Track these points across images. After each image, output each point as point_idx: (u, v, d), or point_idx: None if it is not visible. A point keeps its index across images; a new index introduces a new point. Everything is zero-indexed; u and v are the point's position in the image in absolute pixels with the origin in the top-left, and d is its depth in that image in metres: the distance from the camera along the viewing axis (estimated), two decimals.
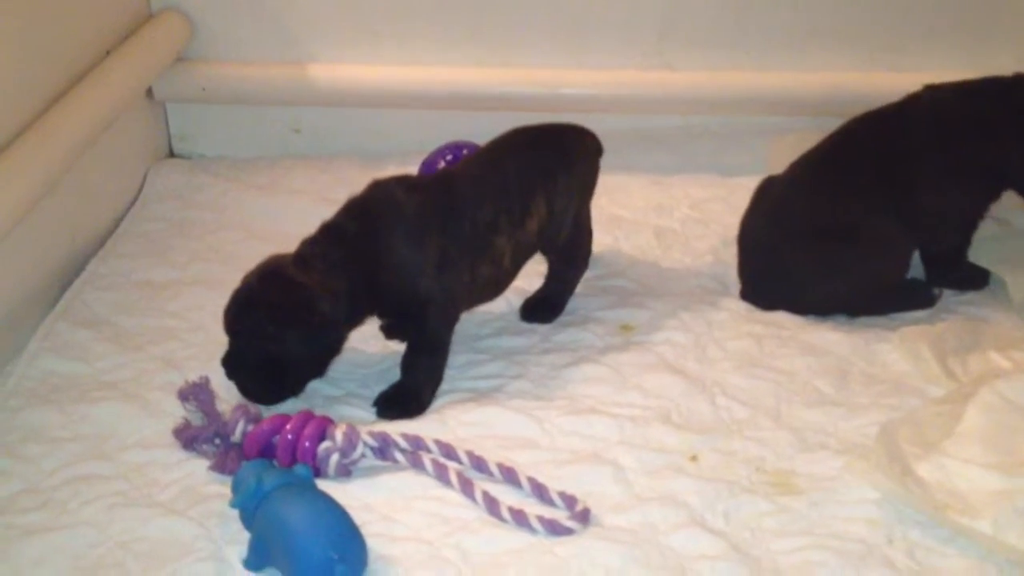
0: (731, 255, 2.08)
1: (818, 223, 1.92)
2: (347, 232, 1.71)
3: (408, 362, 1.76)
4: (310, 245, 1.72)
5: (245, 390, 1.71)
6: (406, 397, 1.73)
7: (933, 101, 1.97)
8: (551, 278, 1.98)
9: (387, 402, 1.73)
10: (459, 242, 1.74)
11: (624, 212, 2.32)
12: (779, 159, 2.18)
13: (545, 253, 1.94)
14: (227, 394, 1.71)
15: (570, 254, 1.98)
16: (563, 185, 1.89)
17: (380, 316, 1.78)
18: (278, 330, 1.65)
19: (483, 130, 2.34)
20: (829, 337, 1.88)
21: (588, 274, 2.08)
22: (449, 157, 2.23)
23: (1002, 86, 1.96)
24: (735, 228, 2.08)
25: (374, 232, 1.71)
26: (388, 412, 1.72)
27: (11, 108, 1.89)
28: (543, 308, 1.96)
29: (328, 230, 1.73)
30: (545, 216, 1.85)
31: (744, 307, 1.98)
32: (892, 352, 1.83)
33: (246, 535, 1.45)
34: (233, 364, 1.70)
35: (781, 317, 1.94)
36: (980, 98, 1.94)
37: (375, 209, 1.74)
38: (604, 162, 2.45)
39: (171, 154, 2.56)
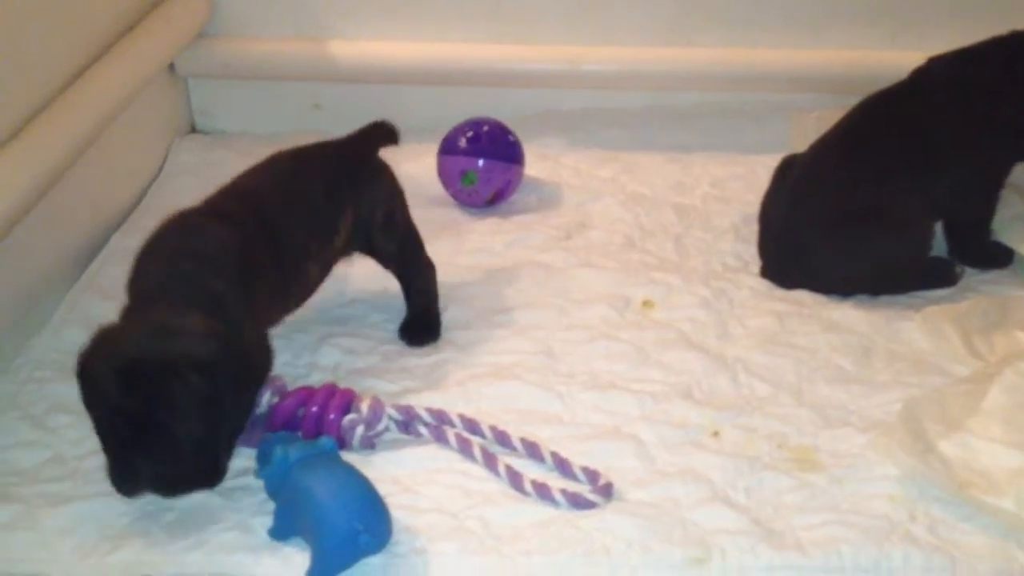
0: (752, 233, 2.08)
1: (839, 204, 1.92)
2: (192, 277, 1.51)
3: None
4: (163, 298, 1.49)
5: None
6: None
7: (940, 71, 1.98)
8: (410, 294, 1.87)
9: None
10: (278, 276, 1.63)
11: (644, 189, 2.31)
12: (802, 137, 2.18)
13: (387, 267, 1.86)
14: None
15: (409, 260, 1.87)
16: (368, 196, 1.78)
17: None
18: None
19: (504, 107, 2.36)
20: (851, 315, 1.88)
21: (610, 249, 2.09)
22: (470, 133, 2.23)
23: (1003, 45, 1.96)
24: (756, 206, 2.08)
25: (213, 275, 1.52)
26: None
27: (34, 83, 1.89)
28: (422, 326, 1.85)
29: (173, 283, 1.50)
30: (352, 231, 1.76)
31: (765, 285, 1.98)
32: (915, 330, 1.83)
33: (271, 505, 1.46)
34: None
35: (802, 295, 1.94)
36: (985, 60, 1.95)
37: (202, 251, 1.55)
38: (623, 138, 2.48)
39: (193, 129, 2.56)
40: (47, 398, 1.66)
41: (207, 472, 1.43)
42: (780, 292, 1.95)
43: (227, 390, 1.41)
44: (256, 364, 1.53)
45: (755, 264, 2.03)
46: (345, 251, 1.80)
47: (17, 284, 1.80)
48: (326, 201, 1.72)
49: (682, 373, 1.75)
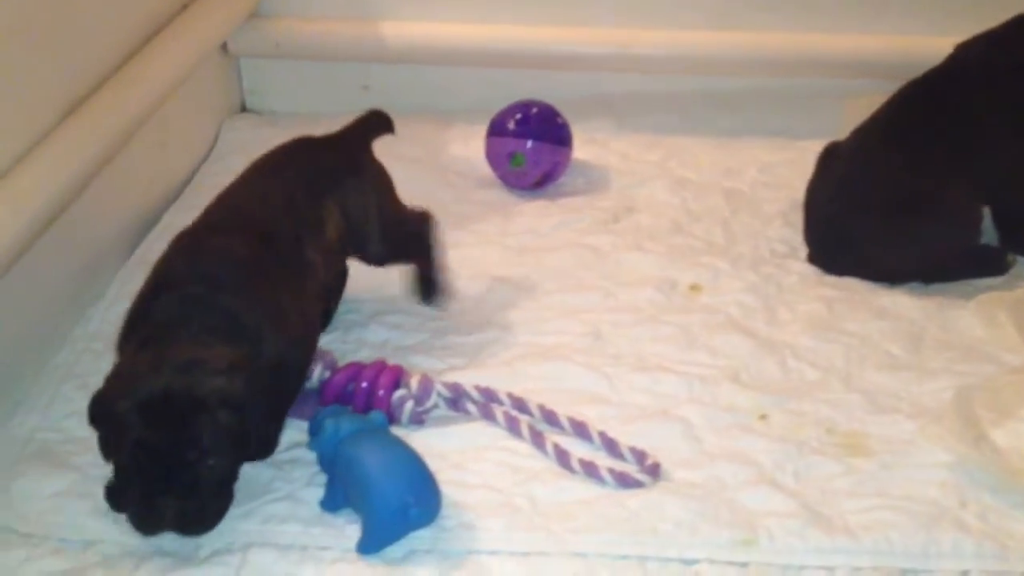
0: (801, 219, 2.06)
1: (886, 191, 1.91)
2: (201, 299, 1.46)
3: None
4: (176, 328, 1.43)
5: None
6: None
7: (972, 57, 1.96)
8: (414, 266, 1.84)
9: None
10: (286, 272, 1.59)
11: (691, 174, 2.31)
12: (854, 123, 2.16)
13: (381, 264, 1.80)
14: None
15: (411, 247, 1.83)
16: (356, 188, 1.73)
17: None
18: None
19: (552, 89, 2.36)
20: (902, 302, 1.87)
21: (657, 233, 2.08)
22: (519, 115, 2.23)
23: None
24: (804, 192, 2.07)
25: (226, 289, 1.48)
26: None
27: (89, 63, 1.92)
28: (428, 285, 1.83)
29: (178, 308, 1.45)
30: (342, 223, 1.70)
31: (814, 271, 1.97)
32: (967, 318, 1.81)
33: (322, 477, 1.48)
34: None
35: (852, 282, 1.93)
36: (1014, 41, 1.93)
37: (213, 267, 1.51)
38: (671, 123, 2.47)
39: (243, 109, 2.59)
40: (102, 369, 1.68)
41: (228, 507, 1.40)
42: (829, 278, 1.94)
43: (254, 423, 1.38)
44: (290, 367, 1.51)
45: (803, 250, 2.02)
46: (342, 246, 1.73)
47: (73, 259, 1.83)
48: (305, 194, 1.66)
49: (730, 357, 1.75)
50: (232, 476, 1.40)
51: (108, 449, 1.37)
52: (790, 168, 2.30)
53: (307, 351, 1.58)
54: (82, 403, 1.61)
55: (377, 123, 1.87)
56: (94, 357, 1.71)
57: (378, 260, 1.79)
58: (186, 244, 1.57)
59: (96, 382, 1.66)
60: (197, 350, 1.38)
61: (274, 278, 1.54)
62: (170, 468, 1.32)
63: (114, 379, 1.39)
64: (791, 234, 2.08)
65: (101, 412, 1.36)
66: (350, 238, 1.72)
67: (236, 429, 1.35)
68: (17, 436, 1.57)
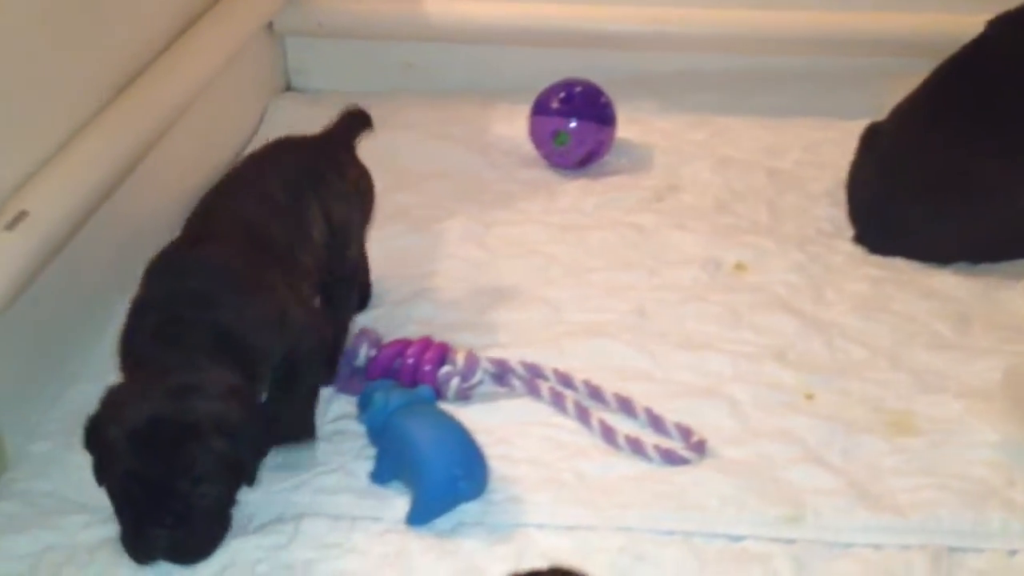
0: (846, 198, 2.06)
1: (928, 173, 1.90)
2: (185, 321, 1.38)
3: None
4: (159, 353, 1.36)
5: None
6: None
7: (1004, 33, 1.94)
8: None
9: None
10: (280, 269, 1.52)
11: (735, 153, 2.30)
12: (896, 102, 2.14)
13: (328, 285, 1.66)
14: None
15: (351, 280, 1.73)
16: (337, 190, 1.66)
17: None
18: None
19: (596, 68, 2.35)
20: (949, 282, 1.86)
21: (701, 212, 2.08)
22: (563, 94, 2.23)
23: None
24: (848, 172, 2.06)
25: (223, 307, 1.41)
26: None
27: (137, 43, 1.94)
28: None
29: (164, 330, 1.38)
30: (324, 226, 1.62)
31: (860, 251, 1.96)
32: (1017, 299, 1.80)
33: (371, 450, 1.50)
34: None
35: (899, 262, 1.92)
36: None
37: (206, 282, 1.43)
38: (715, 102, 2.46)
39: (288, 88, 2.60)
40: None
41: (224, 534, 1.35)
42: (876, 258, 1.93)
43: (248, 451, 1.33)
44: (304, 357, 1.49)
45: (850, 230, 2.01)
46: (326, 249, 1.63)
47: (121, 238, 1.85)
48: (289, 196, 1.59)
49: (776, 335, 1.75)
50: (228, 503, 1.34)
51: (100, 475, 1.32)
52: (835, 147, 2.28)
53: (317, 339, 1.52)
54: None
55: (359, 122, 1.81)
56: None
57: (350, 269, 1.70)
58: (168, 260, 1.47)
59: None
60: (191, 374, 1.32)
61: (268, 278, 1.47)
62: (161, 498, 1.27)
63: (106, 404, 1.33)
64: (837, 213, 2.07)
65: (93, 437, 1.31)
66: (332, 240, 1.64)
67: (231, 456, 1.30)
68: (72, 409, 1.59)
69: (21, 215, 1.41)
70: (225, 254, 1.47)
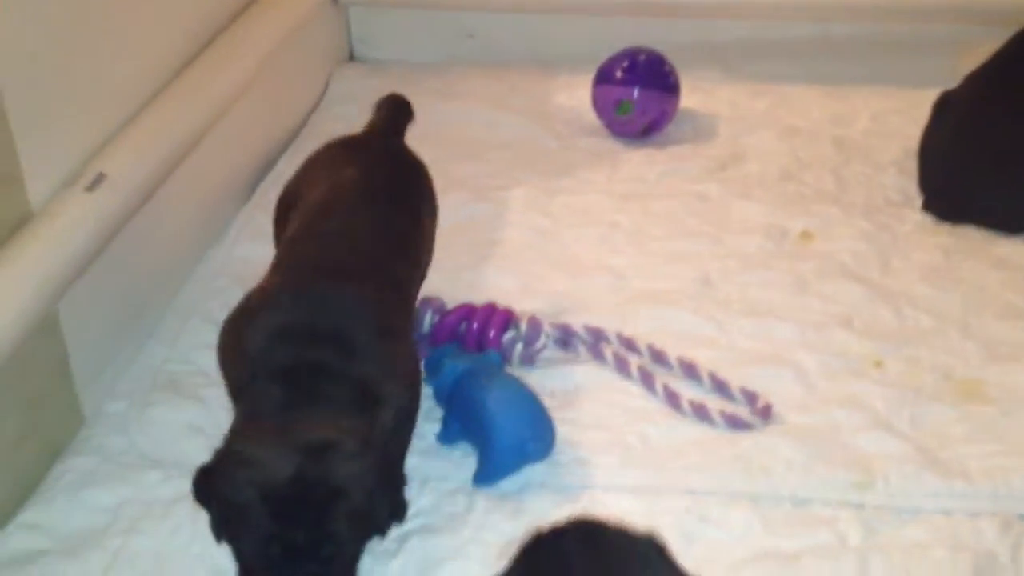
0: (915, 167, 2.03)
1: (999, 141, 1.87)
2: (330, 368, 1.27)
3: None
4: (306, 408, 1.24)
5: None
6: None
7: None
8: None
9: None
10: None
11: (801, 122, 2.28)
12: (967, 71, 2.10)
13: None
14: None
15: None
16: (432, 205, 1.61)
17: None
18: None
19: (660, 37, 2.34)
20: (1020, 251, 1.83)
21: (766, 181, 2.07)
22: (626, 63, 2.22)
23: None
24: (919, 141, 2.03)
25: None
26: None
27: (207, 13, 1.97)
28: None
29: (300, 376, 1.26)
30: (424, 243, 1.56)
31: (930, 220, 1.94)
32: None
33: (438, 412, 1.52)
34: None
35: (969, 230, 1.89)
36: None
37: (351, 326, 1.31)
38: (779, 71, 2.43)
39: (352, 58, 2.62)
40: (226, 304, 1.74)
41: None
42: (946, 227, 1.91)
43: (384, 509, 1.24)
44: (409, 416, 1.39)
45: (918, 199, 1.98)
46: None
47: (195, 202, 1.89)
48: (407, 223, 1.50)
49: (843, 304, 1.74)
50: (361, 554, 1.24)
51: (224, 533, 1.21)
52: (903, 116, 2.25)
53: (419, 393, 1.42)
54: (208, 336, 1.68)
55: (404, 110, 1.71)
56: (217, 293, 1.77)
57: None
58: (305, 295, 1.33)
59: (220, 316, 1.73)
60: (327, 429, 1.20)
61: (401, 324, 1.38)
62: (302, 560, 1.17)
63: (230, 457, 1.20)
64: (906, 183, 2.04)
65: (212, 491, 1.20)
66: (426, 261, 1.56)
67: (369, 516, 1.21)
68: (148, 368, 1.64)
69: (100, 177, 1.45)
70: (367, 296, 1.35)
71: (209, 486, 1.20)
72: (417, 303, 1.68)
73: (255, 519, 1.15)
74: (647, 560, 0.98)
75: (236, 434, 1.24)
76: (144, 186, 1.58)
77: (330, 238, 1.44)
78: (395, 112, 1.72)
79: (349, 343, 1.28)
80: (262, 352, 1.28)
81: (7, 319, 1.30)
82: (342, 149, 1.62)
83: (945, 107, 2.01)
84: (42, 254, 1.36)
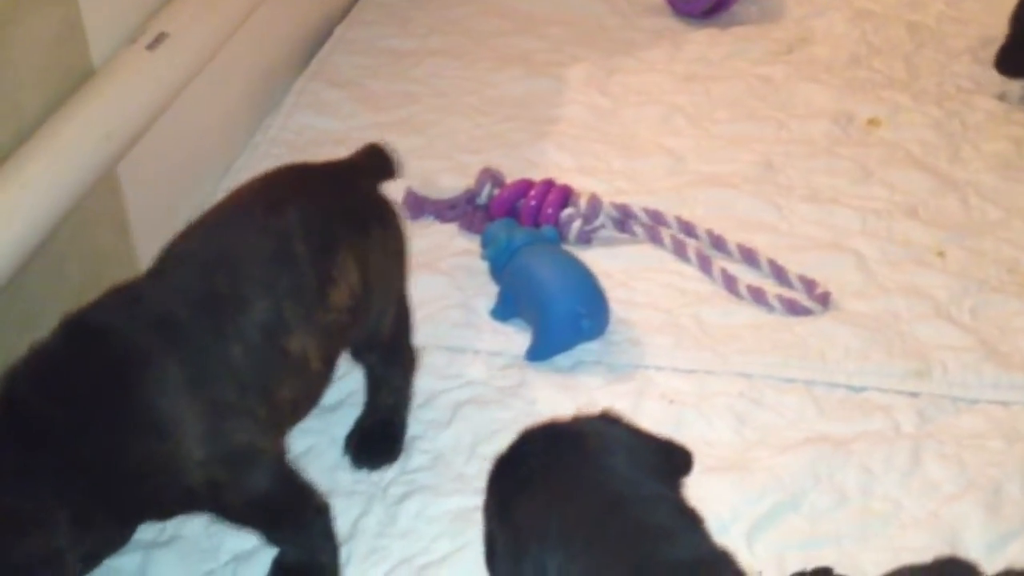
0: (989, 56, 1.95)
1: None
2: (49, 422, 1.01)
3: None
4: None
5: None
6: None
7: None
8: (376, 391, 1.33)
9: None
10: (232, 380, 1.07)
11: (874, 6, 2.19)
12: None
13: (360, 354, 1.29)
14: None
15: (395, 348, 1.32)
16: (378, 239, 1.24)
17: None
18: None
19: None
20: None
21: (834, 65, 2.01)
22: None
23: None
24: (995, 28, 1.95)
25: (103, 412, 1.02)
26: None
27: None
28: (380, 441, 1.32)
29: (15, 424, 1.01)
30: (358, 285, 1.19)
31: (1003, 108, 1.87)
32: None
33: (492, 288, 1.52)
34: None
35: None
36: None
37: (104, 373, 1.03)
38: None
39: None
40: None
41: None
42: (1018, 116, 1.85)
43: None
44: None
45: (992, 87, 1.91)
46: (351, 317, 1.19)
47: (252, 69, 1.87)
48: (309, 246, 1.14)
49: (907, 192, 1.70)
50: None
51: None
52: (980, 3, 2.17)
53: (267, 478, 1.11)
54: None
55: (381, 164, 1.34)
56: (274, 160, 1.76)
57: (378, 344, 1.28)
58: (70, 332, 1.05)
59: None
60: None
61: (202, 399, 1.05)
62: None
63: None
64: (979, 71, 1.97)
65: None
66: (367, 308, 1.22)
67: None
68: None
69: (161, 36, 1.43)
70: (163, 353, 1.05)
71: None
72: (478, 173, 1.66)
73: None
74: (607, 440, 0.94)
75: None
76: (204, 48, 1.56)
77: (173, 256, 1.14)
78: (370, 156, 1.34)
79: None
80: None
81: (68, 174, 1.30)
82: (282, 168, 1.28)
83: None
84: (103, 110, 1.35)
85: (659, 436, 0.96)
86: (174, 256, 1.13)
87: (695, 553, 0.79)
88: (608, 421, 0.95)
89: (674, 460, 0.90)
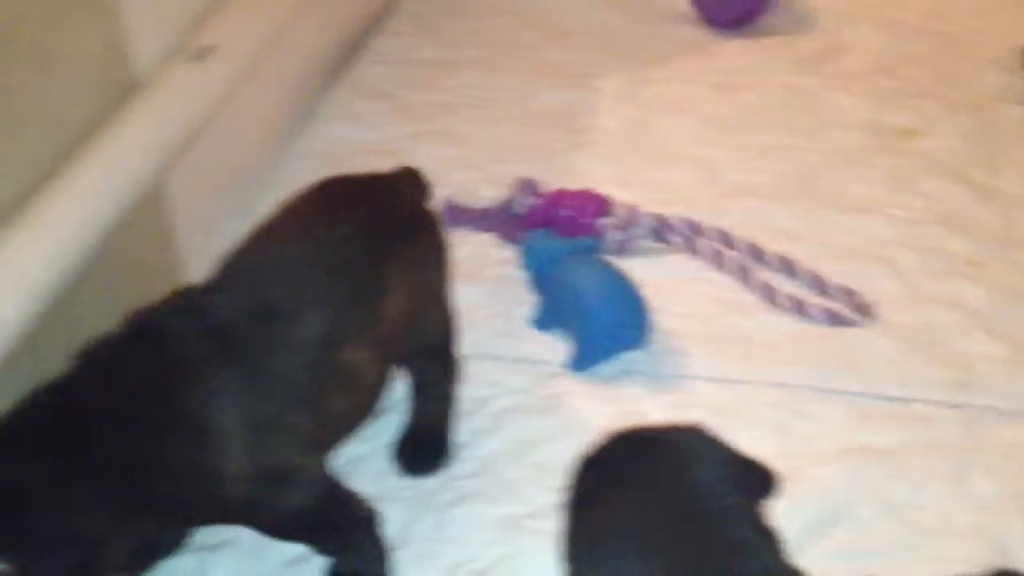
0: (1017, 65, 1.96)
1: None
2: (99, 411, 1.03)
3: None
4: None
5: None
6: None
7: None
8: (424, 399, 1.33)
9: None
10: (282, 393, 1.08)
11: (900, 15, 2.21)
12: None
13: (407, 361, 1.28)
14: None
15: (442, 356, 1.32)
16: (425, 248, 1.25)
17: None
18: None
19: None
20: None
21: (864, 75, 2.01)
22: None
23: None
24: (1022, 38, 1.96)
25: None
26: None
27: None
28: (429, 448, 1.33)
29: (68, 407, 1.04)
30: (408, 295, 1.19)
31: None
32: None
33: (532, 298, 1.52)
34: None
35: None
36: None
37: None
38: None
39: None
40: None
41: None
42: None
43: None
44: None
45: (1021, 96, 1.92)
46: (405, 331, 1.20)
47: (285, 81, 1.88)
48: (364, 259, 1.15)
49: (942, 202, 1.71)
50: None
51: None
52: (1005, 13, 2.18)
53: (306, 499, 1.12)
54: None
55: (415, 185, 1.32)
56: (311, 172, 1.74)
57: (421, 351, 1.28)
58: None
59: None
60: None
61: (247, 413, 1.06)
62: None
63: None
64: (1008, 80, 1.98)
65: None
66: (416, 318, 1.22)
67: None
68: None
69: (207, 48, 1.44)
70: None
71: None
72: (514, 182, 1.66)
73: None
74: (695, 451, 0.96)
75: None
76: (249, 59, 1.57)
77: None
78: (403, 177, 1.32)
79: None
80: None
81: (113, 187, 1.30)
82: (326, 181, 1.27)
83: None
84: (149, 123, 1.36)
85: (746, 454, 0.97)
86: (233, 266, 1.14)
87: (768, 569, 0.80)
88: (696, 432, 0.96)
89: (759, 479, 0.91)
